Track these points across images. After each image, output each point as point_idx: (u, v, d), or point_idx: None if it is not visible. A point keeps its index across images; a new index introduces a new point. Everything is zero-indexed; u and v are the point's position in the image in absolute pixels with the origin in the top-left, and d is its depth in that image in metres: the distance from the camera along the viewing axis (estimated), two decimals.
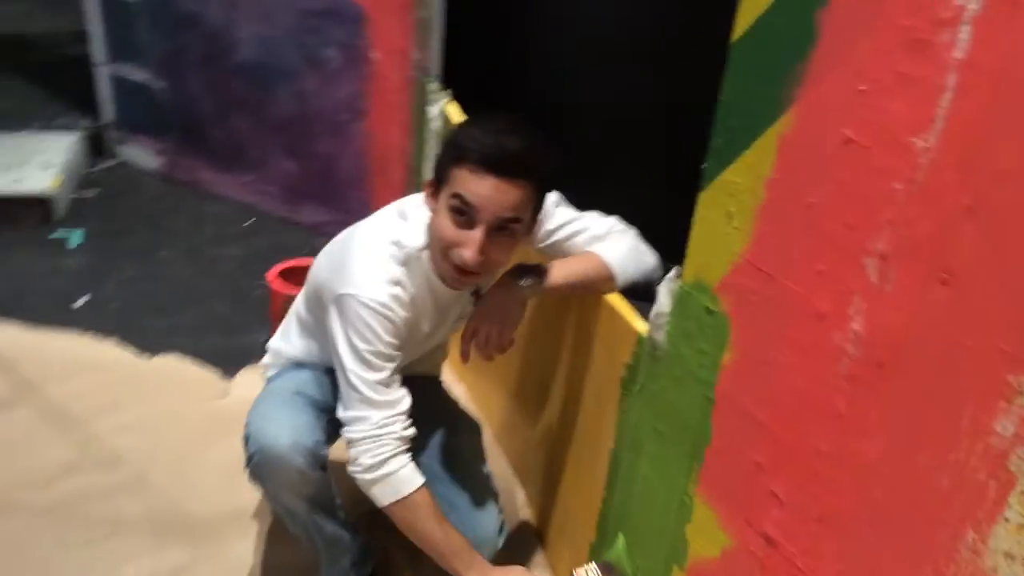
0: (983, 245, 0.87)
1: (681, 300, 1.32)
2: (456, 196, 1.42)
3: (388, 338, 1.49)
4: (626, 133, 2.79)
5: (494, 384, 2.34)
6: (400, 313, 1.51)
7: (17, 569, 1.86)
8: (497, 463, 2.25)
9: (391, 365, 1.51)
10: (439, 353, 1.94)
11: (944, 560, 0.96)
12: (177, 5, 3.48)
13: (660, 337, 1.39)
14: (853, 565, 1.08)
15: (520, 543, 2.03)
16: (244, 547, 1.95)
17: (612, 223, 1.65)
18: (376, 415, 1.50)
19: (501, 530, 1.74)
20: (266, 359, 1.84)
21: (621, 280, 1.60)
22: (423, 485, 1.54)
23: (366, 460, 1.50)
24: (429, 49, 2.71)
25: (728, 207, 1.19)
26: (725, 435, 1.27)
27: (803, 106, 1.05)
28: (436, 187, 1.48)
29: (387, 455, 1.50)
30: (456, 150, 1.42)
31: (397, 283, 1.51)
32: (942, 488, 0.95)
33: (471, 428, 1.87)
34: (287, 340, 1.79)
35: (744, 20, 1.15)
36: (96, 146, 3.98)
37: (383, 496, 1.53)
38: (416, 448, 1.78)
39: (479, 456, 1.83)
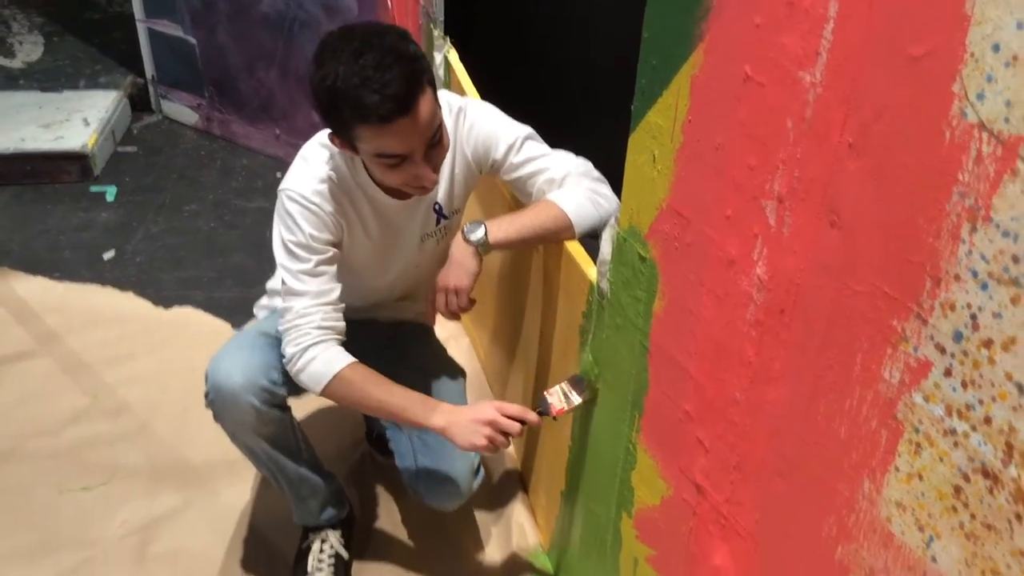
0: (866, 184, 0.83)
1: (619, 247, 1.30)
2: (380, 155, 1.43)
3: (311, 230, 1.53)
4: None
5: (487, 333, 2.34)
6: (325, 207, 1.54)
7: (18, 513, 1.95)
8: None
9: (316, 257, 1.54)
10: (425, 287, 1.90)
11: (846, 511, 0.93)
12: None
13: (604, 285, 1.37)
14: (769, 514, 1.06)
15: (504, 487, 2.05)
16: (234, 494, 2.01)
17: (573, 166, 1.62)
18: (298, 304, 1.53)
19: (477, 473, 1.74)
20: (262, 300, 1.87)
21: (579, 228, 1.56)
22: (352, 363, 1.54)
23: (289, 349, 1.54)
24: None
25: (653, 150, 1.16)
26: (660, 383, 1.25)
27: (709, 42, 1.01)
28: (342, 140, 1.47)
29: (307, 343, 1.52)
30: (349, 114, 1.39)
31: (324, 180, 1.55)
32: (840, 437, 0.92)
33: (451, 373, 1.87)
34: (276, 276, 1.83)
35: None
36: (139, 102, 4.06)
37: (312, 382, 1.54)
38: None
39: (457, 400, 1.83)
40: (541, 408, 1.51)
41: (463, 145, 1.65)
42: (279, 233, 1.56)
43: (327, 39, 1.41)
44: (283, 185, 1.56)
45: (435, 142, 1.46)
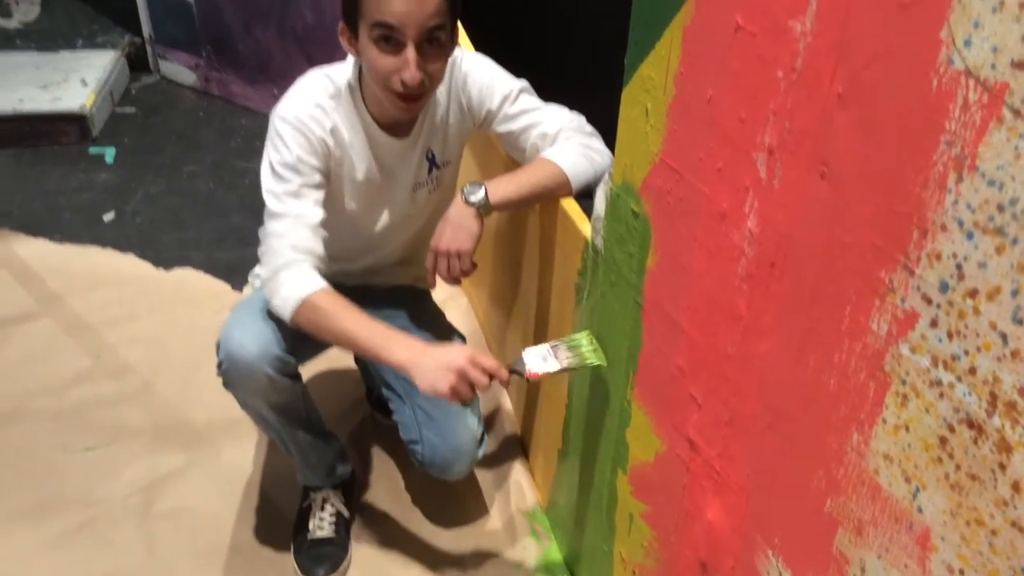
0: (855, 134, 0.82)
1: (613, 203, 1.29)
2: (377, 25, 1.39)
3: (300, 152, 1.49)
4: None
5: (484, 292, 2.35)
6: (316, 131, 1.51)
7: (22, 472, 1.97)
8: None
9: (300, 179, 1.49)
10: (420, 252, 1.84)
11: (835, 464, 0.94)
12: None
13: (599, 242, 1.36)
14: (759, 468, 1.07)
15: (504, 448, 2.06)
16: (237, 454, 2.03)
17: (566, 121, 1.61)
18: (276, 225, 1.49)
19: (481, 442, 1.73)
20: (256, 268, 1.86)
21: (575, 184, 1.56)
22: (322, 288, 1.47)
23: (263, 272, 1.50)
24: None
25: (646, 103, 1.15)
26: (653, 339, 1.25)
27: None
28: (351, 30, 1.46)
29: (278, 264, 1.47)
30: None
31: (319, 106, 1.53)
32: (830, 390, 0.92)
33: (449, 338, 1.87)
34: None
35: None
36: (137, 63, 4.04)
37: (282, 307, 1.47)
38: None
39: None
40: (516, 367, 1.43)
41: (458, 93, 1.63)
42: (267, 156, 1.52)
43: None
44: (275, 110, 1.53)
45: (433, 39, 1.42)
